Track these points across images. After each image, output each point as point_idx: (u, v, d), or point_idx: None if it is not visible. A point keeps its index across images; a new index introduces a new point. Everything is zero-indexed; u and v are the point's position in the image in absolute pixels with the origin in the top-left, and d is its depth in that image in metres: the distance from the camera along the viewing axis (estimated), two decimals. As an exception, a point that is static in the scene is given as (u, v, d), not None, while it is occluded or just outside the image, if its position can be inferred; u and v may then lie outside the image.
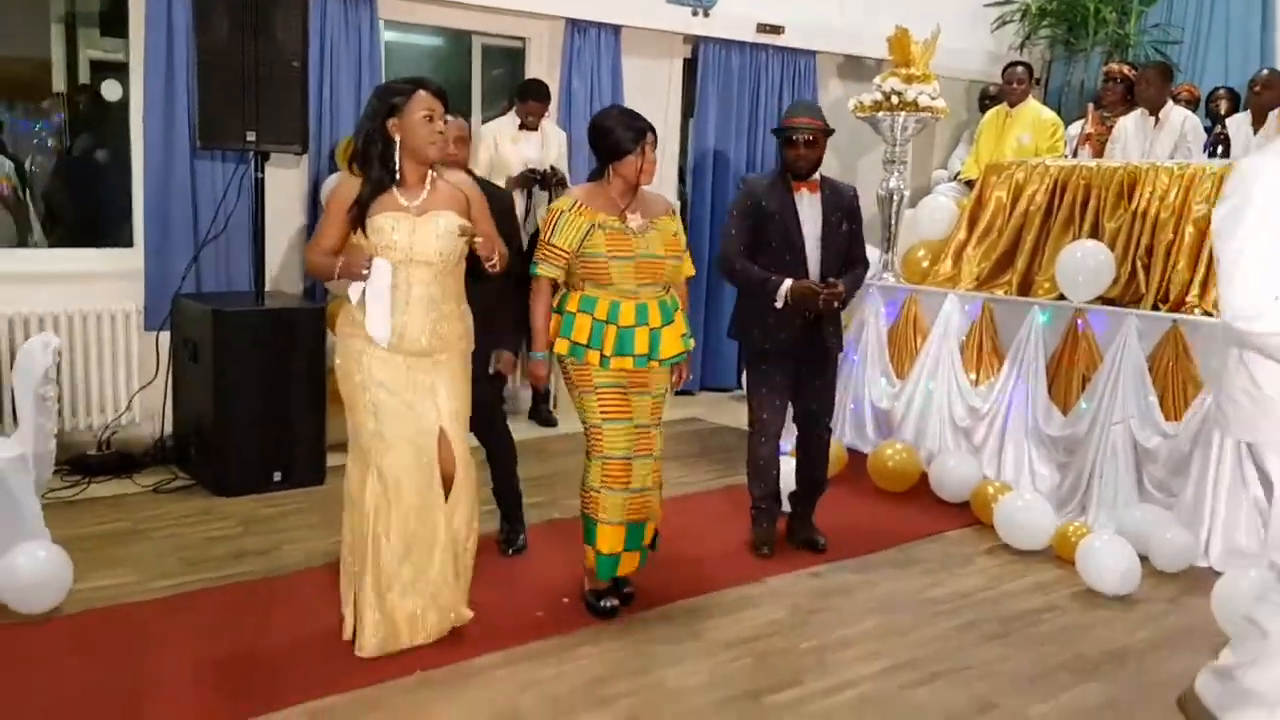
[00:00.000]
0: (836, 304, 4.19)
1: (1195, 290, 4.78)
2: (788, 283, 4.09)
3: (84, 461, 5.09)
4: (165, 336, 5.35)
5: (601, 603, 3.69)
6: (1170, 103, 6.09)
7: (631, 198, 3.58)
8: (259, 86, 4.78)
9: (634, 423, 3.61)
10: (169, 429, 5.40)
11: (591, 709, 3.07)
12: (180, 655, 3.30)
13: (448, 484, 3.31)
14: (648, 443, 3.66)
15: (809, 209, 4.21)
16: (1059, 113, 7.10)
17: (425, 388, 3.26)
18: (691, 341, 3.77)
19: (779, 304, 4.11)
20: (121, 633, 3.46)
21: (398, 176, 3.18)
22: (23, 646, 3.33)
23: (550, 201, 5.93)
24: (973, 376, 5.33)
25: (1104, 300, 4.97)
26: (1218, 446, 4.35)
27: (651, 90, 6.85)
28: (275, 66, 4.80)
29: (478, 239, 3.22)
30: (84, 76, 6.70)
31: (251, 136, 4.80)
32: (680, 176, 7.41)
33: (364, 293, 3.17)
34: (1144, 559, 4.21)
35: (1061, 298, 5.06)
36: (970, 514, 4.90)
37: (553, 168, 5.99)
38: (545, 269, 3.56)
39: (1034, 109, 6.69)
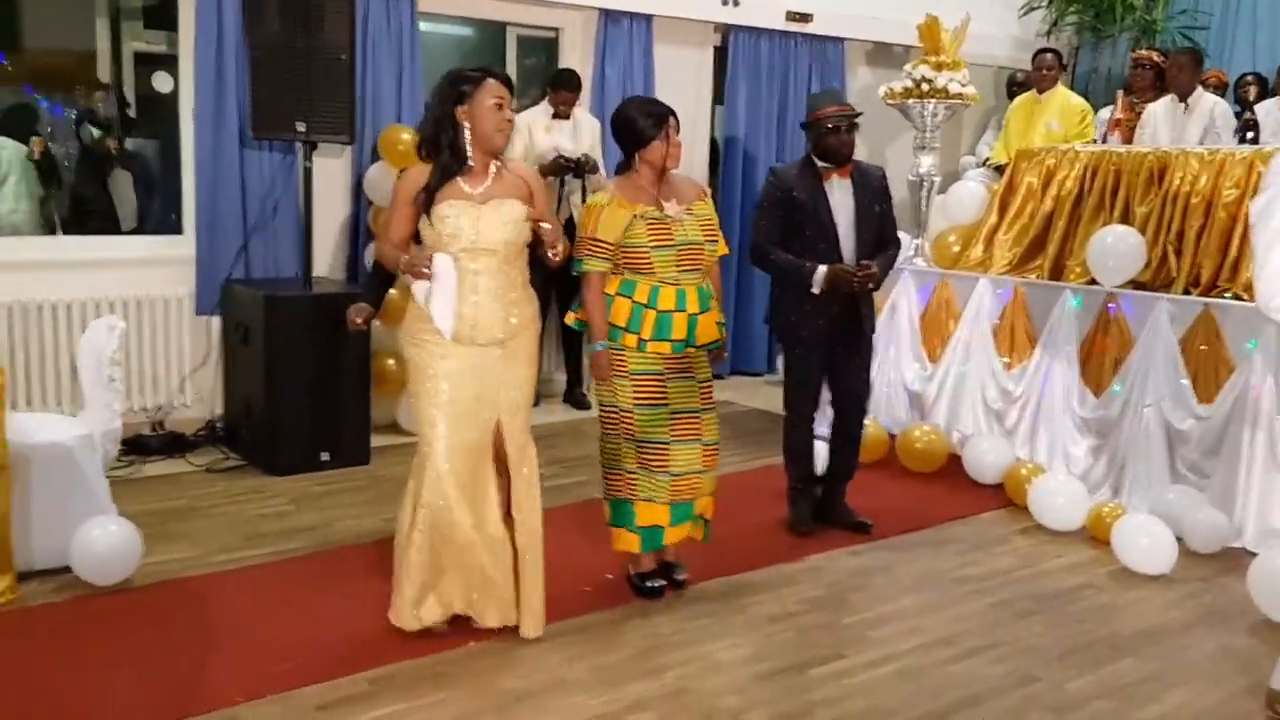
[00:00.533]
0: (871, 285, 4.26)
1: (1226, 274, 4.85)
2: (822, 269, 4.17)
3: (139, 442, 5.24)
4: (215, 321, 5.50)
5: (647, 584, 3.76)
6: (1200, 89, 6.13)
7: (663, 185, 3.61)
8: (309, 79, 4.92)
9: (670, 408, 3.62)
10: (219, 410, 5.55)
11: (641, 679, 3.18)
12: (245, 625, 3.45)
13: (505, 478, 3.34)
14: (694, 428, 3.67)
15: (841, 194, 4.27)
16: (1086, 98, 7.14)
17: (494, 378, 3.26)
18: (723, 330, 3.79)
19: (815, 290, 4.18)
20: (190, 602, 3.61)
21: (468, 163, 3.19)
22: (100, 614, 3.49)
23: (584, 189, 6.04)
24: (1005, 360, 5.41)
25: (1135, 284, 5.04)
26: (1250, 428, 4.42)
27: (682, 79, 6.94)
28: (323, 60, 4.94)
29: (545, 226, 3.25)
30: (128, 68, 6.86)
31: (302, 127, 4.94)
32: (710, 164, 7.49)
33: (428, 290, 3.19)
34: (1178, 540, 4.29)
35: (1093, 282, 5.14)
36: (1004, 496, 4.99)
37: (586, 155, 6.09)
38: (593, 264, 3.58)
39: (1063, 95, 6.73)
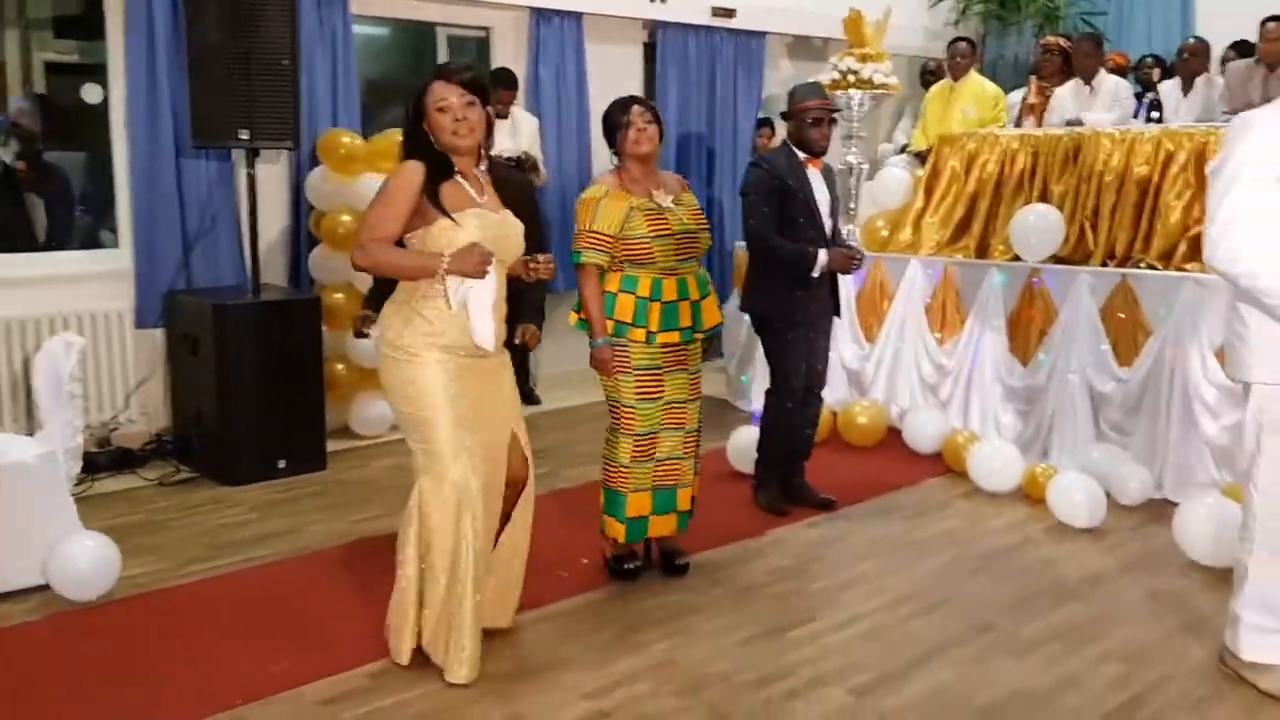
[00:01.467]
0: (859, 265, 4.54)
1: (1139, 246, 5.18)
2: (823, 252, 4.34)
3: (87, 460, 5.15)
4: (158, 334, 5.47)
5: (625, 565, 3.86)
6: (1102, 70, 6.49)
7: (648, 176, 3.69)
8: (250, 86, 4.92)
9: (664, 401, 3.72)
10: (167, 424, 5.52)
11: (629, 654, 3.32)
12: (234, 630, 3.49)
13: (516, 489, 3.28)
14: (681, 417, 3.78)
15: (819, 184, 4.47)
16: (995, 84, 7.47)
17: (498, 389, 3.19)
18: (722, 314, 3.90)
19: (817, 273, 4.36)
20: (173, 612, 3.64)
21: (455, 171, 3.06)
22: (85, 629, 3.50)
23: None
24: (938, 336, 5.68)
25: (1056, 259, 5.35)
26: (1167, 388, 4.74)
27: (614, 76, 7.06)
28: (265, 65, 4.94)
29: (542, 261, 3.21)
30: (39, 79, 6.71)
31: (245, 134, 4.94)
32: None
33: (464, 295, 2.98)
34: (1106, 494, 4.58)
35: (1017, 259, 5.43)
36: (943, 463, 5.25)
37: (525, 154, 6.19)
38: (591, 256, 3.59)
39: (976, 82, 7.04)
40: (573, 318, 3.79)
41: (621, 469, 3.74)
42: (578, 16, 6.78)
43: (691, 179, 6.94)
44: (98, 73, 5.47)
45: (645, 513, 3.80)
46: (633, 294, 3.61)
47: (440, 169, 3.03)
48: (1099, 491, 4.47)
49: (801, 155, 4.44)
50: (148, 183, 5.37)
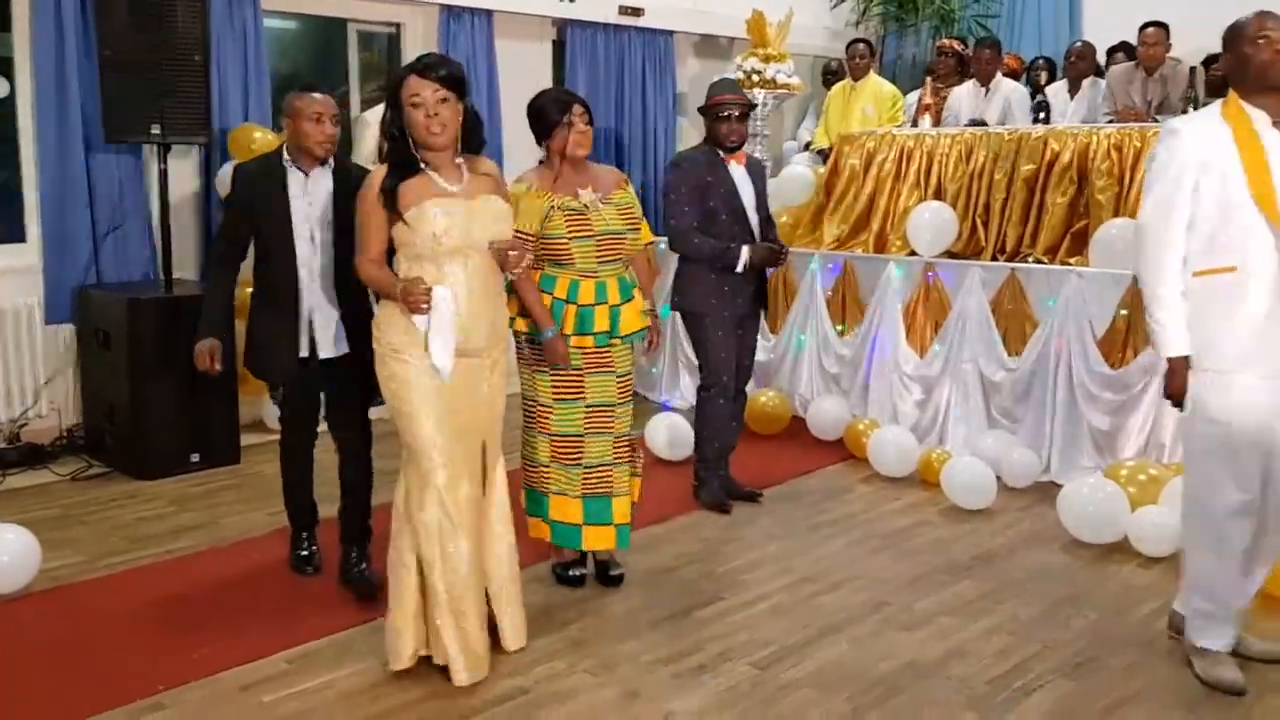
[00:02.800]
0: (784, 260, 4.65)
1: (1027, 241, 5.48)
2: (746, 248, 4.43)
3: (-4, 456, 5.13)
4: (68, 329, 5.41)
5: (570, 572, 3.82)
6: (999, 74, 6.81)
7: (580, 174, 3.61)
8: (161, 80, 4.90)
9: (587, 403, 3.64)
10: (78, 419, 5.47)
11: (544, 634, 3.44)
12: (156, 619, 3.54)
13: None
14: (606, 421, 3.68)
15: (742, 180, 4.51)
16: (894, 84, 7.76)
17: (478, 391, 3.13)
18: (648, 319, 3.78)
19: (741, 269, 4.43)
20: (95, 603, 3.67)
21: (421, 167, 3.03)
22: (5, 621, 3.52)
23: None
24: (839, 328, 5.91)
25: (950, 254, 5.62)
26: (1053, 376, 5.04)
27: (524, 73, 7.14)
28: (176, 60, 4.93)
29: (513, 251, 3.09)
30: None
31: (156, 130, 4.93)
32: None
33: (427, 324, 2.99)
34: (997, 477, 4.86)
35: (913, 253, 5.69)
36: (844, 450, 5.49)
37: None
38: None
39: (875, 82, 7.31)
40: (520, 324, 3.63)
41: (541, 468, 3.70)
42: (488, 14, 6.85)
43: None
44: (3, 66, 5.38)
45: (577, 521, 3.72)
46: (549, 294, 3.57)
47: (405, 167, 3.02)
48: (989, 475, 4.73)
49: (722, 151, 4.49)
50: (57, 178, 5.29)
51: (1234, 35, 3.04)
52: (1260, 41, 2.95)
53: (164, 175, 5.17)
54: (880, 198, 6.05)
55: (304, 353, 3.62)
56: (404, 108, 2.99)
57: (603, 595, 3.78)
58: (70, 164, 5.30)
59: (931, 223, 5.57)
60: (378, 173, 3.06)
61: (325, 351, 3.62)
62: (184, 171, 5.77)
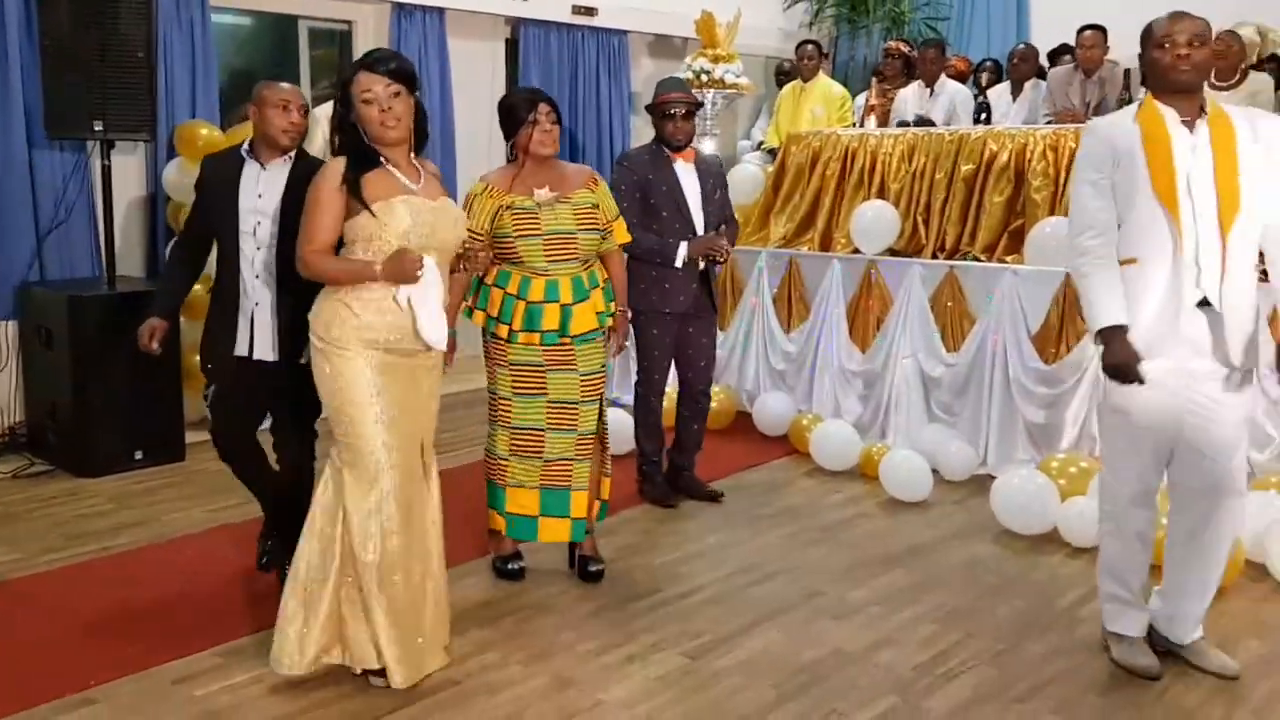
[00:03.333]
0: (725, 257, 4.58)
1: (966, 240, 5.58)
2: (684, 243, 4.44)
3: (-64, 454, 5.10)
4: (10, 327, 5.38)
5: (508, 566, 3.85)
6: (944, 76, 6.92)
7: (543, 172, 3.63)
8: (105, 76, 4.89)
9: (549, 399, 3.67)
10: (20, 417, 5.44)
11: (480, 627, 3.49)
12: (90, 614, 3.54)
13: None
14: (570, 418, 3.69)
15: (689, 178, 4.52)
16: (846, 85, 7.86)
17: (422, 391, 3.10)
18: (610, 320, 3.78)
19: (680, 264, 4.44)
20: (27, 599, 3.66)
21: (382, 161, 3.00)
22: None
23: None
24: (785, 325, 5.99)
25: (892, 252, 5.71)
26: (989, 373, 5.14)
27: (476, 71, 7.19)
28: (120, 56, 4.92)
29: (481, 252, 3.13)
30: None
31: (99, 126, 4.91)
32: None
33: (409, 296, 2.93)
34: (936, 471, 4.95)
35: (857, 251, 5.78)
36: (789, 445, 5.57)
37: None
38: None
39: (825, 84, 7.40)
40: (478, 317, 3.70)
41: (500, 460, 3.74)
42: (440, 12, 6.88)
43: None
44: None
45: (533, 512, 3.75)
46: (503, 290, 3.62)
47: (364, 160, 2.97)
48: (926, 468, 4.83)
49: (669, 150, 4.51)
50: (-2, 174, 5.28)
51: (1145, 37, 3.13)
52: (1165, 45, 3.03)
53: (107, 171, 5.15)
54: (825, 197, 6.13)
55: (243, 351, 3.54)
56: (355, 104, 2.96)
57: (540, 588, 3.82)
58: (12, 160, 5.27)
59: (874, 221, 5.66)
60: (335, 163, 2.98)
61: (262, 354, 3.52)
62: (130, 168, 5.76)
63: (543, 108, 3.61)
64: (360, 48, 6.83)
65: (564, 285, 3.61)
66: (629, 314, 3.97)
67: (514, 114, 3.64)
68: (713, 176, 4.65)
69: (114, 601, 3.65)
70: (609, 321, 3.79)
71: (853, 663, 3.33)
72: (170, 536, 4.28)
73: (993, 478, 4.85)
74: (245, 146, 3.57)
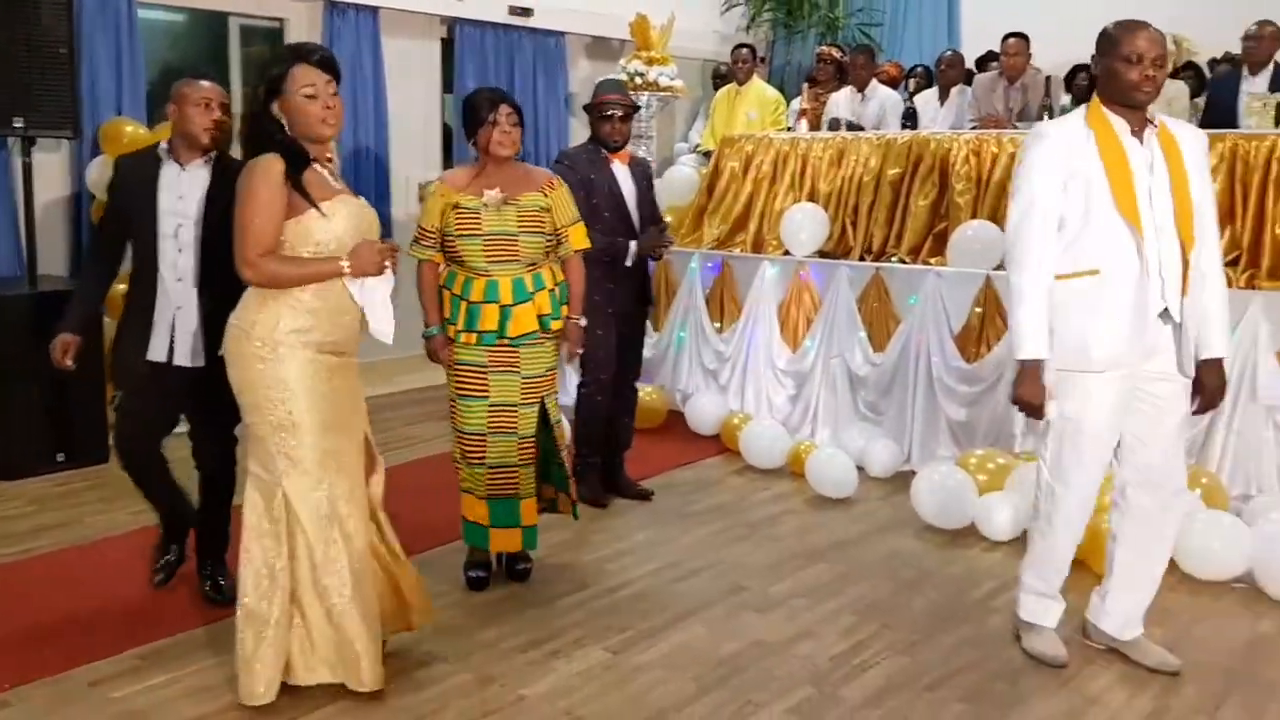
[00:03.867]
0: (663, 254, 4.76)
1: (893, 242, 5.69)
2: (633, 242, 4.53)
3: None
4: (-73, 325, 5.27)
5: (469, 573, 3.84)
6: (874, 81, 7.05)
7: (499, 173, 3.63)
8: (27, 72, 4.83)
9: (489, 401, 3.66)
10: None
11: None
12: (8, 617, 3.49)
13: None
14: (510, 420, 3.68)
15: (625, 178, 4.61)
16: (782, 88, 7.97)
17: (353, 390, 3.03)
18: (556, 322, 3.73)
19: (629, 262, 4.53)
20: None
21: (310, 160, 2.89)
22: None
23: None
24: (717, 325, 6.06)
25: (821, 254, 5.81)
26: (914, 372, 5.25)
27: (411, 70, 7.18)
28: (41, 52, 4.85)
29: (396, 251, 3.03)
30: None
31: (19, 123, 4.85)
32: (445, 150, 7.77)
33: (360, 288, 2.88)
34: (862, 468, 5.05)
35: (787, 253, 5.86)
36: (721, 444, 5.64)
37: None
38: (416, 250, 3.67)
39: (760, 87, 7.50)
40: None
41: (456, 464, 3.79)
42: (373, 10, 6.86)
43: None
44: None
45: (483, 522, 3.78)
46: (450, 290, 3.67)
47: (298, 159, 2.84)
48: (851, 465, 4.92)
49: (606, 150, 4.56)
50: (-85, 171, 5.18)
51: (1109, 45, 3.02)
52: (1133, 60, 2.94)
53: (28, 169, 5.09)
54: (758, 199, 6.22)
55: (160, 357, 3.42)
56: (292, 98, 2.83)
57: (460, 588, 3.83)
58: (-71, 157, 5.18)
59: (804, 223, 5.75)
60: (271, 160, 2.81)
61: (183, 359, 3.41)
62: (53, 166, 5.69)
63: (504, 109, 3.62)
64: (293, 46, 6.79)
65: (504, 286, 3.61)
66: (583, 323, 3.91)
67: (476, 113, 3.63)
68: (645, 178, 4.75)
69: (31, 604, 3.60)
70: (554, 325, 3.73)
71: (772, 654, 3.39)
72: (92, 539, 4.24)
73: (916, 474, 4.95)
74: (163, 146, 3.47)
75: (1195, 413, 3.20)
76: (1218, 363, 3.13)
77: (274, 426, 2.85)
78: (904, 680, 3.25)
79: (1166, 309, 3.05)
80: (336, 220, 2.86)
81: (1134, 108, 3.03)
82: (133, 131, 5.54)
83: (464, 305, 3.62)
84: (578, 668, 3.28)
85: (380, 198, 7.05)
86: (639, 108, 4.70)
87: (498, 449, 3.70)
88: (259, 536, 2.90)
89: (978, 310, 5.13)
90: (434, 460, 5.22)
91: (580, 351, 4.00)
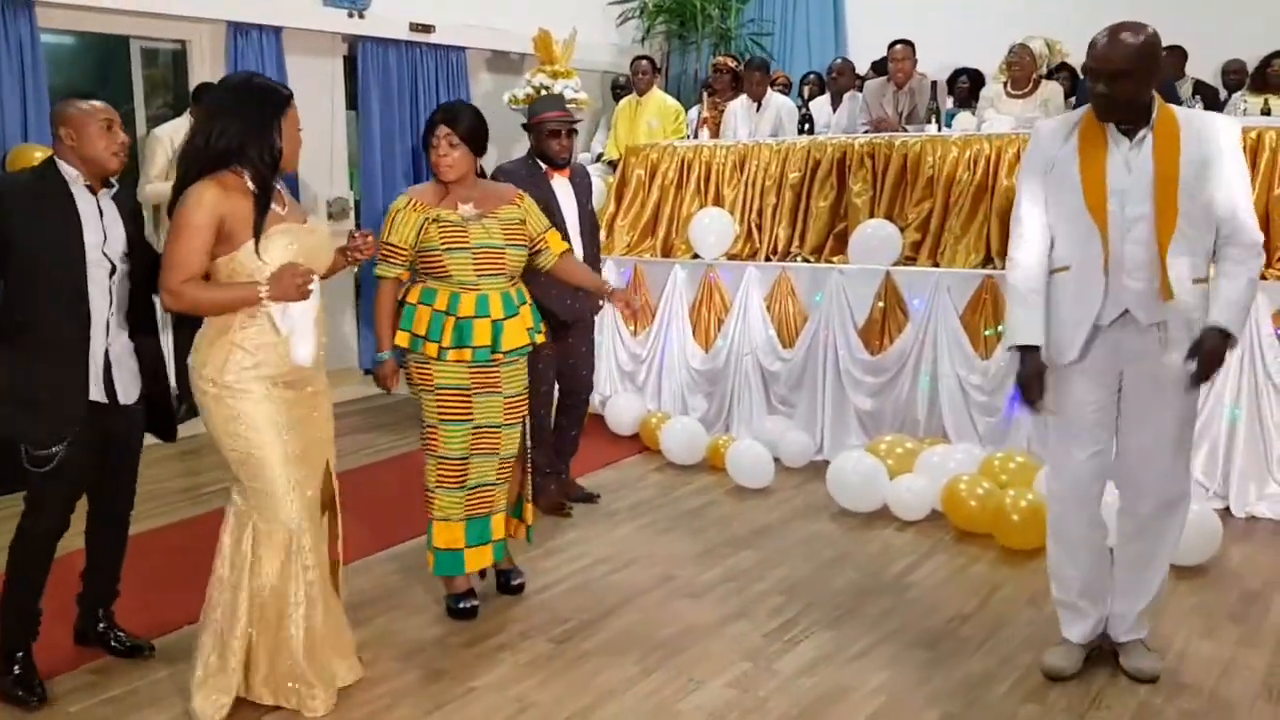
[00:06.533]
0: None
1: (796, 242, 5.97)
2: None
3: None
4: None
5: (459, 604, 3.71)
6: (770, 90, 7.34)
7: (465, 189, 3.55)
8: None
9: (473, 424, 3.58)
10: None
11: (354, 628, 3.52)
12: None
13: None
14: (493, 442, 3.62)
15: (565, 194, 4.56)
16: (679, 98, 8.20)
17: (313, 420, 3.03)
18: (540, 336, 3.70)
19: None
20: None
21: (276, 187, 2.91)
22: None
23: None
24: (632, 328, 6.26)
25: (729, 256, 6.06)
26: (822, 365, 5.53)
27: (315, 89, 7.18)
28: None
29: (366, 241, 3.08)
30: None
31: (-76, 151, 4.76)
32: (351, 170, 7.81)
33: (283, 311, 2.84)
34: (777, 459, 5.30)
35: (696, 256, 6.10)
36: (640, 443, 5.84)
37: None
38: (384, 269, 3.56)
39: (659, 97, 7.72)
40: (402, 338, 3.57)
41: (428, 492, 3.66)
42: (276, 30, 6.86)
43: (399, 188, 7.17)
44: None
45: (459, 545, 3.67)
46: (430, 307, 3.51)
47: (268, 191, 2.85)
48: (768, 456, 5.16)
49: (546, 165, 4.53)
50: None
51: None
52: (1092, 73, 2.92)
53: (-67, 197, 4.99)
54: (665, 205, 6.44)
55: (98, 396, 3.11)
56: (290, 127, 2.89)
57: (408, 589, 3.96)
58: None
59: (711, 227, 6.00)
60: (207, 188, 2.78)
61: (127, 396, 3.19)
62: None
63: (441, 130, 3.49)
64: (195, 67, 6.76)
65: (494, 300, 3.52)
66: (616, 288, 4.00)
67: (424, 135, 3.55)
68: (584, 191, 4.72)
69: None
70: (538, 339, 3.69)
71: (707, 636, 3.60)
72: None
73: (828, 462, 5.21)
74: (68, 171, 3.06)
75: (1191, 383, 2.96)
76: (1217, 331, 2.90)
77: (238, 461, 2.93)
78: (833, 650, 3.48)
79: (1128, 311, 2.98)
80: (275, 250, 2.82)
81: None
82: (42, 156, 5.46)
83: (450, 321, 3.48)
84: (524, 659, 3.43)
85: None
86: (578, 123, 4.70)
87: (479, 470, 3.64)
88: (226, 559, 2.98)
89: (879, 305, 5.43)
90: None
91: (635, 310, 4.11)
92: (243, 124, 2.82)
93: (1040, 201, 3.10)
